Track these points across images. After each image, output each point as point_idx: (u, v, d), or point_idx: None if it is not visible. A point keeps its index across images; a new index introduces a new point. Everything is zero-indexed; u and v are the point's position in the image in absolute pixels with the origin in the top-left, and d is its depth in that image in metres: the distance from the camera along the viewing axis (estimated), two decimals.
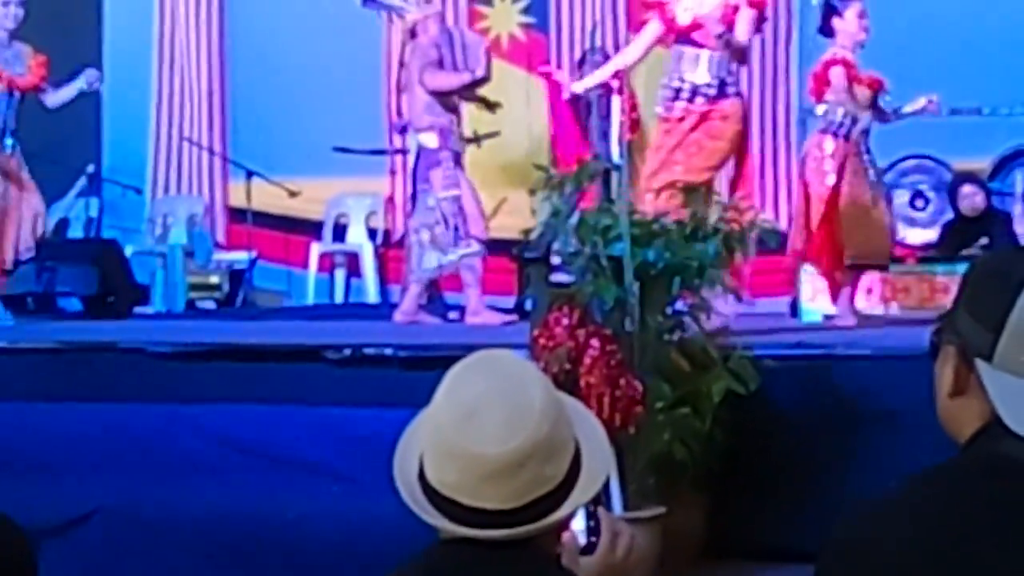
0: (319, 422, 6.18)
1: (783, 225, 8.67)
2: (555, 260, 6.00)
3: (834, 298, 7.87)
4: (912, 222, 9.98)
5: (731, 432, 5.68)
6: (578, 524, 2.10)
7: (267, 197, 10.90)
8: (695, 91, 7.19)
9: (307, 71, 11.29)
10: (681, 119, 7.22)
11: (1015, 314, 1.72)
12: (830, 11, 7.73)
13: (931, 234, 9.85)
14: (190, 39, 11.93)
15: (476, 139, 9.10)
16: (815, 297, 8.37)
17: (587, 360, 5.31)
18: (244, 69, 11.78)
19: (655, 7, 7.42)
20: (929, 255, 9.33)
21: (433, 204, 8.11)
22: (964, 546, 1.67)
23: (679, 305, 5.85)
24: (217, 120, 11.88)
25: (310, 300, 10.96)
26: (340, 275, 11.22)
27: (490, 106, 8.59)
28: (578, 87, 8.05)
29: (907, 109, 7.95)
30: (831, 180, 7.58)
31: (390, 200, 11.19)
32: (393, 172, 10.91)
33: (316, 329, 8.21)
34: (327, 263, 11.21)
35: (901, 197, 9.83)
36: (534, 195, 6.30)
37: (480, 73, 8.27)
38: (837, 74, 7.60)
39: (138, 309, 9.97)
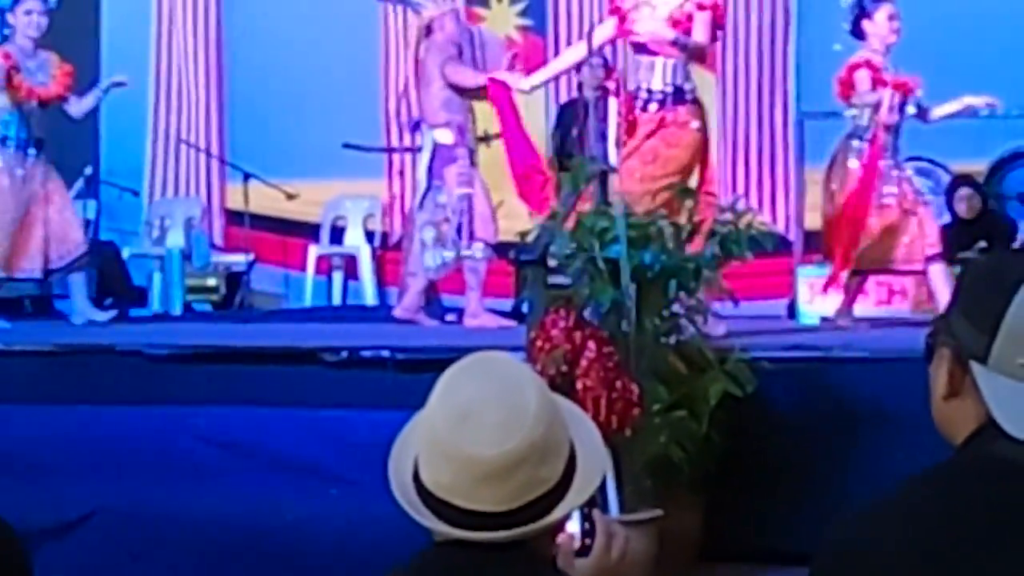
0: (316, 424, 6.18)
1: (780, 227, 8.64)
2: (552, 262, 5.98)
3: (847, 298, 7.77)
4: None
5: (727, 434, 5.69)
6: (573, 526, 2.11)
7: (265, 199, 10.88)
8: (650, 98, 7.12)
9: (305, 74, 11.30)
10: (637, 126, 7.08)
11: (1010, 316, 1.72)
12: (860, 13, 7.62)
13: None
14: (187, 42, 11.93)
15: (487, 138, 9.08)
16: (813, 300, 8.37)
17: (584, 362, 5.31)
18: (241, 72, 11.78)
19: (616, 13, 7.32)
20: None
21: (444, 201, 8.09)
22: (959, 548, 1.68)
23: (676, 308, 5.85)
24: (214, 122, 11.88)
25: (308, 302, 10.94)
26: (338, 277, 11.21)
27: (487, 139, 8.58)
28: (525, 85, 7.91)
29: (949, 110, 7.79)
30: (856, 184, 7.49)
31: (391, 204, 11.19)
32: (402, 173, 10.85)
33: (313, 331, 8.20)
34: (325, 265, 11.20)
35: None
36: None
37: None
38: (862, 77, 7.52)
39: (136, 311, 9.96)
